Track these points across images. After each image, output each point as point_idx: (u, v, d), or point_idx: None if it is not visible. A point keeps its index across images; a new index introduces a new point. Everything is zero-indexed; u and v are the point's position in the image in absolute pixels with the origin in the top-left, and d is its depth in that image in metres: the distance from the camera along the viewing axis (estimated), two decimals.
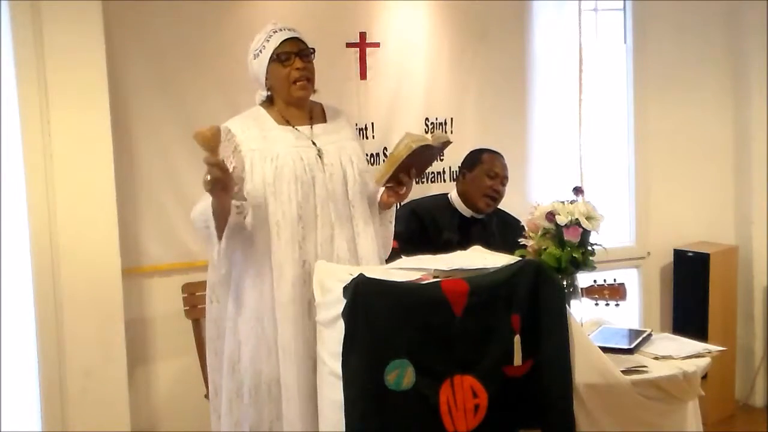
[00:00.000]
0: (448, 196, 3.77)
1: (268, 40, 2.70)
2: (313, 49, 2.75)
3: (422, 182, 4.16)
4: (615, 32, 4.79)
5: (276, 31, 2.71)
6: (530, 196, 4.32)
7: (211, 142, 2.39)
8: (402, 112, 4.12)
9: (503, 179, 3.67)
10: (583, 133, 4.55)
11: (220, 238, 2.57)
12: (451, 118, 4.25)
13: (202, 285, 3.76)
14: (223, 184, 2.44)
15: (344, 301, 2.30)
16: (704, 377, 2.64)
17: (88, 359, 3.38)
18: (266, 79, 2.74)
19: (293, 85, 2.70)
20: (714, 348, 2.74)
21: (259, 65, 2.73)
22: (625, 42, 4.78)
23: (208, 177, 2.40)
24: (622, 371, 2.47)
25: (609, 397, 2.43)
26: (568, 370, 2.38)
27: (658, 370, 2.54)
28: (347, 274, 2.45)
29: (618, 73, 4.78)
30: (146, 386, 3.75)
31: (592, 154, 4.61)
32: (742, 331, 4.81)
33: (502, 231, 3.67)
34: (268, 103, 2.79)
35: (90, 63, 3.36)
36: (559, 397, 2.38)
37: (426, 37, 4.19)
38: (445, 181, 4.15)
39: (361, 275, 2.36)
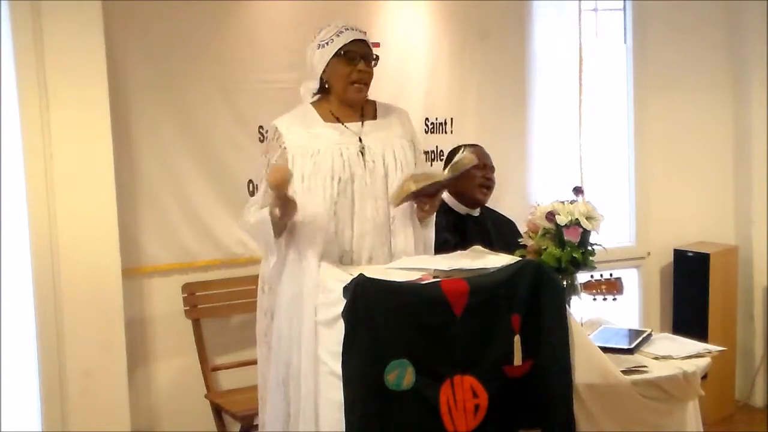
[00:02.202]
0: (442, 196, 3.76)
1: (338, 35, 2.71)
2: (377, 56, 2.77)
3: None
4: (615, 32, 4.79)
5: (348, 29, 2.73)
6: (530, 196, 4.32)
7: (281, 186, 2.45)
8: None
9: (490, 167, 3.66)
10: (583, 133, 4.55)
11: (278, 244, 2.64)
12: (451, 118, 4.25)
13: (202, 285, 3.79)
14: (290, 215, 2.53)
15: (344, 301, 2.30)
16: (704, 377, 2.64)
17: (88, 359, 3.38)
18: (323, 71, 2.73)
19: (351, 86, 2.72)
20: (714, 348, 2.74)
21: (321, 57, 2.72)
22: (625, 42, 4.78)
23: (276, 212, 2.51)
24: (622, 371, 2.47)
25: (609, 397, 2.43)
26: (568, 370, 2.38)
27: (658, 370, 2.54)
28: (347, 274, 2.46)
29: (618, 73, 4.78)
30: (146, 386, 3.75)
31: (592, 154, 4.61)
32: (742, 331, 4.81)
33: (496, 229, 3.66)
34: (319, 98, 2.79)
35: (90, 63, 3.35)
36: (559, 397, 2.38)
37: (426, 37, 4.19)
38: None
39: (361, 275, 2.36)
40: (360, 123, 2.77)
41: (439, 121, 4.22)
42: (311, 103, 2.80)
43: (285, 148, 2.68)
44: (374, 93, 3.96)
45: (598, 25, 4.73)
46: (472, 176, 3.62)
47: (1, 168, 3.26)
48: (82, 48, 3.34)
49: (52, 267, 3.32)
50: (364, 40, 2.73)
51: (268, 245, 2.67)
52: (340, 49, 2.69)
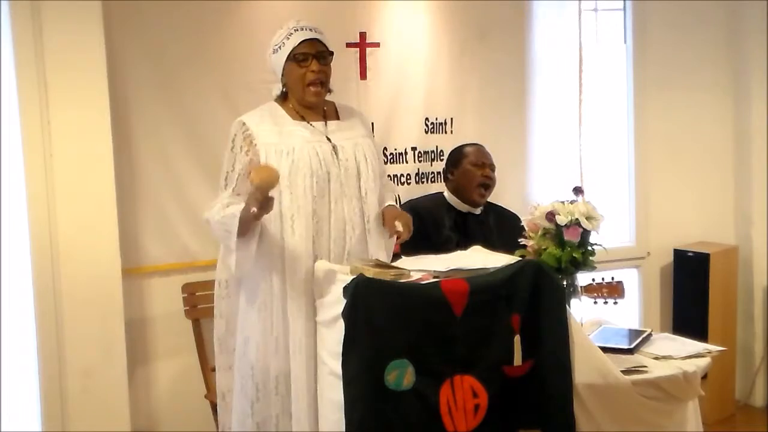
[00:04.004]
0: (444, 194, 3.78)
1: (288, 38, 2.71)
2: (332, 51, 2.76)
3: (422, 182, 4.16)
4: (615, 32, 4.79)
5: (297, 30, 2.72)
6: (530, 196, 4.32)
7: (268, 188, 2.43)
8: (402, 112, 4.12)
9: (491, 166, 3.68)
10: (583, 133, 4.55)
11: (239, 245, 2.61)
12: (451, 118, 4.25)
13: (202, 285, 3.78)
14: (266, 212, 2.50)
15: (344, 301, 2.31)
16: (704, 377, 2.64)
17: (88, 359, 3.38)
18: (282, 75, 2.75)
19: (307, 88, 2.72)
20: (714, 348, 2.75)
21: (277, 61, 2.74)
22: (625, 42, 4.78)
23: (254, 210, 2.45)
24: (622, 371, 2.47)
25: (609, 397, 2.43)
26: (568, 370, 2.38)
27: (658, 370, 2.55)
28: (347, 274, 2.46)
29: (618, 73, 4.78)
30: (146, 386, 3.75)
31: (592, 154, 4.61)
32: (742, 331, 4.81)
33: (499, 226, 3.68)
34: (283, 98, 2.81)
35: (90, 63, 3.35)
36: (559, 397, 2.38)
37: (426, 37, 4.19)
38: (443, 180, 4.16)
39: (361, 275, 2.36)
40: (324, 123, 2.78)
41: (439, 121, 4.22)
42: (276, 101, 2.80)
43: (255, 144, 2.68)
44: (375, 93, 4.01)
45: (598, 25, 4.73)
46: (472, 175, 3.63)
47: (1, 168, 3.26)
48: (82, 48, 3.34)
49: (52, 267, 3.31)
50: (317, 39, 2.72)
51: (229, 242, 2.64)
52: (291, 52, 2.69)
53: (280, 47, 2.72)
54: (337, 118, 2.83)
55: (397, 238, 2.76)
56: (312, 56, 2.70)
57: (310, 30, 2.72)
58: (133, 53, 3.58)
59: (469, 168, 3.64)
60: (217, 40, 3.72)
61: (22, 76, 3.25)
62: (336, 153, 2.72)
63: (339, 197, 2.69)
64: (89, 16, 3.34)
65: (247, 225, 2.57)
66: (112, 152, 3.42)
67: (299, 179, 2.64)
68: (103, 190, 3.40)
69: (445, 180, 3.80)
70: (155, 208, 3.69)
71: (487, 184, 3.66)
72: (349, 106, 2.94)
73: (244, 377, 2.72)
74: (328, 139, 2.74)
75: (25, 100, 3.26)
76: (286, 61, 2.71)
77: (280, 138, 2.69)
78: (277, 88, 2.81)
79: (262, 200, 2.46)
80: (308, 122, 2.75)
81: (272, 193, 2.49)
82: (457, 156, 3.75)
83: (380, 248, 2.77)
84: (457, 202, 3.69)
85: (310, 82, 2.71)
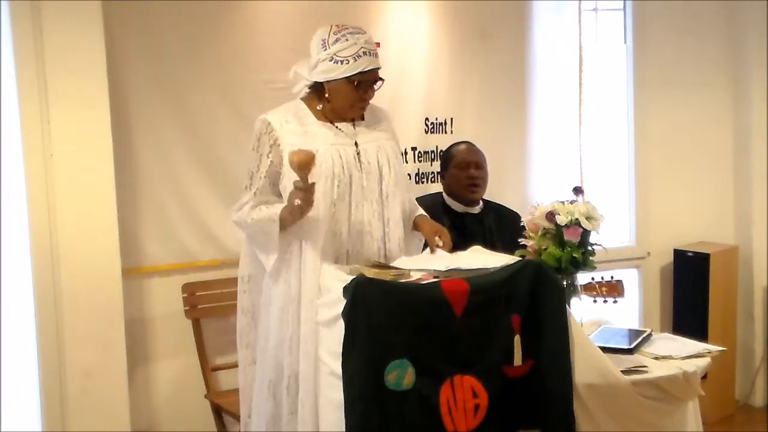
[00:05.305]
0: (442, 194, 3.78)
1: (356, 58, 2.61)
2: (383, 80, 2.71)
3: (422, 182, 4.16)
4: (615, 32, 4.79)
5: (368, 53, 2.63)
6: (530, 196, 4.32)
7: (306, 167, 2.43)
8: (402, 112, 4.12)
9: (477, 164, 3.64)
10: (583, 133, 4.55)
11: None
12: (451, 118, 4.25)
13: (202, 285, 3.79)
14: (310, 207, 2.49)
15: (344, 301, 2.31)
16: (704, 377, 2.64)
17: (88, 359, 3.37)
18: (327, 82, 2.66)
19: (352, 107, 2.69)
20: (714, 348, 2.75)
21: (331, 70, 2.62)
22: (625, 42, 4.78)
23: (298, 202, 2.45)
24: (622, 371, 2.47)
25: (609, 397, 2.43)
26: (568, 370, 2.38)
27: (658, 370, 2.55)
28: (347, 274, 2.46)
29: (618, 73, 4.78)
30: (146, 386, 3.75)
31: (592, 154, 4.61)
32: (742, 331, 4.81)
33: (498, 225, 3.66)
34: (310, 96, 2.75)
35: (90, 63, 3.35)
36: (559, 397, 2.38)
37: (426, 37, 4.19)
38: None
39: (361, 275, 2.37)
40: (351, 125, 2.75)
41: (439, 121, 4.22)
42: (302, 99, 2.76)
43: (279, 145, 2.64)
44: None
45: (598, 25, 4.73)
46: (458, 177, 3.62)
47: (1, 168, 3.26)
48: (82, 48, 3.34)
49: (52, 267, 3.31)
50: (378, 69, 2.67)
51: (268, 245, 2.64)
52: (355, 76, 2.62)
53: (344, 61, 2.60)
54: (362, 118, 2.79)
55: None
56: (371, 83, 2.67)
57: (376, 56, 2.66)
58: (133, 53, 3.58)
59: (456, 170, 3.63)
60: (217, 40, 3.72)
61: (22, 76, 3.25)
62: (359, 156, 2.70)
63: (359, 201, 2.67)
64: (89, 16, 3.33)
65: (286, 226, 2.57)
66: (112, 152, 3.42)
67: (320, 182, 2.58)
68: (103, 190, 3.40)
69: (442, 182, 3.80)
70: (155, 208, 3.69)
71: (475, 184, 3.64)
72: (377, 106, 2.85)
73: (264, 374, 2.71)
74: (356, 143, 2.71)
75: (25, 100, 3.26)
76: (345, 77, 2.62)
77: (304, 139, 2.63)
78: (303, 82, 2.75)
79: (305, 188, 2.44)
80: (333, 124, 2.72)
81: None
82: (446, 158, 3.75)
83: (401, 252, 2.75)
84: (453, 202, 3.69)
85: (359, 106, 2.70)
